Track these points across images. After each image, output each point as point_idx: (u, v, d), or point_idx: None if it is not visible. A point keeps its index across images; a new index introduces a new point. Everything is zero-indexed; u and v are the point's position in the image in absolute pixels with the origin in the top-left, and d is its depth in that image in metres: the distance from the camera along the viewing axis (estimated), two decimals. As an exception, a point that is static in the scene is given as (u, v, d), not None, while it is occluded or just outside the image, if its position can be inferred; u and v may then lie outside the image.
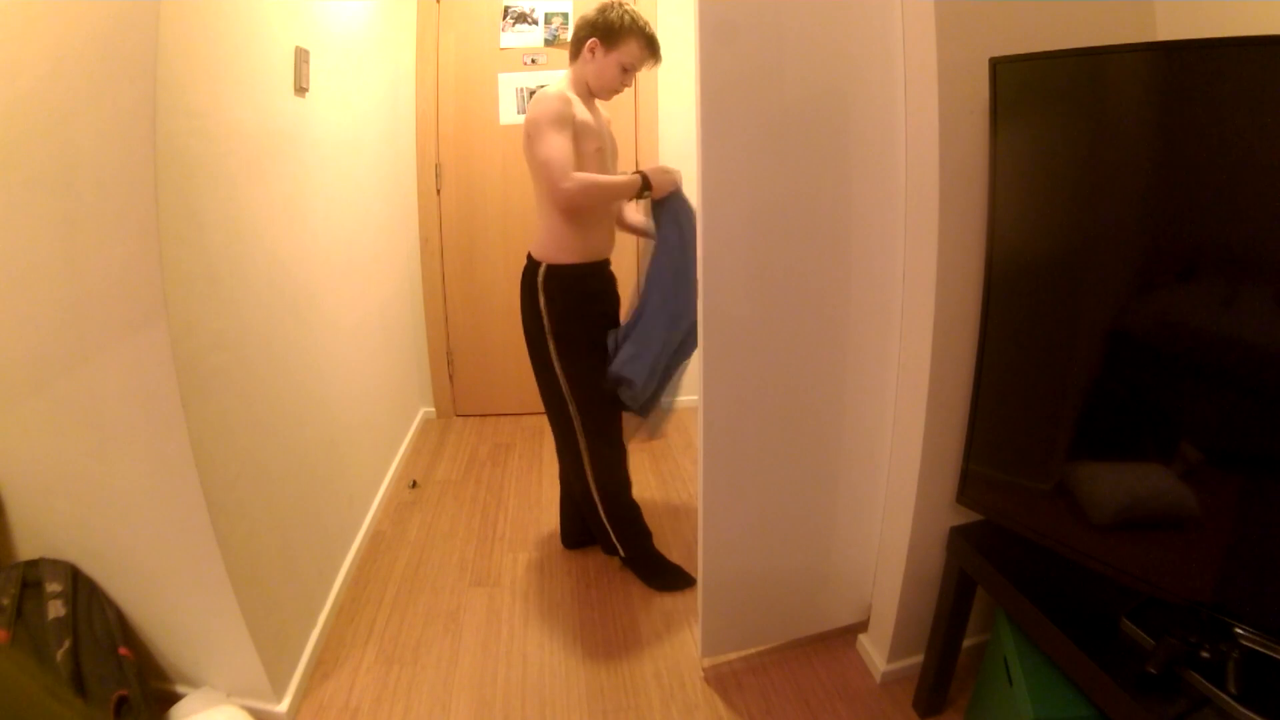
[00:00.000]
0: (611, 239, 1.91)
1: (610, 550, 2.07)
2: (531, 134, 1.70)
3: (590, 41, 1.74)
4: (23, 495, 1.40)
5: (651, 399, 1.90)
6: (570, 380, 1.84)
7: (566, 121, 1.67)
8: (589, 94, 1.80)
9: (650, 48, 1.79)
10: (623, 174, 1.78)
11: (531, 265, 1.83)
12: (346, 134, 2.24)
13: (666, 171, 1.79)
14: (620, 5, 1.75)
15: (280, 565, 1.63)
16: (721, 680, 1.68)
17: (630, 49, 1.75)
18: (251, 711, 1.49)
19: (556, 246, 1.78)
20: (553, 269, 1.79)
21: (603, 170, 1.80)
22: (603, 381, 1.84)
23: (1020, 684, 1.23)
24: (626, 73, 1.79)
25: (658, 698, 1.64)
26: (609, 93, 1.81)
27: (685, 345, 1.86)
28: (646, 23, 1.77)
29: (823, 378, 1.55)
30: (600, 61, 1.75)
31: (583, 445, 1.91)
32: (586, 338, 1.84)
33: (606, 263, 1.90)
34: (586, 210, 1.76)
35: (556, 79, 1.82)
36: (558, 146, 1.65)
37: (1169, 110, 1.02)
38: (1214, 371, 1.00)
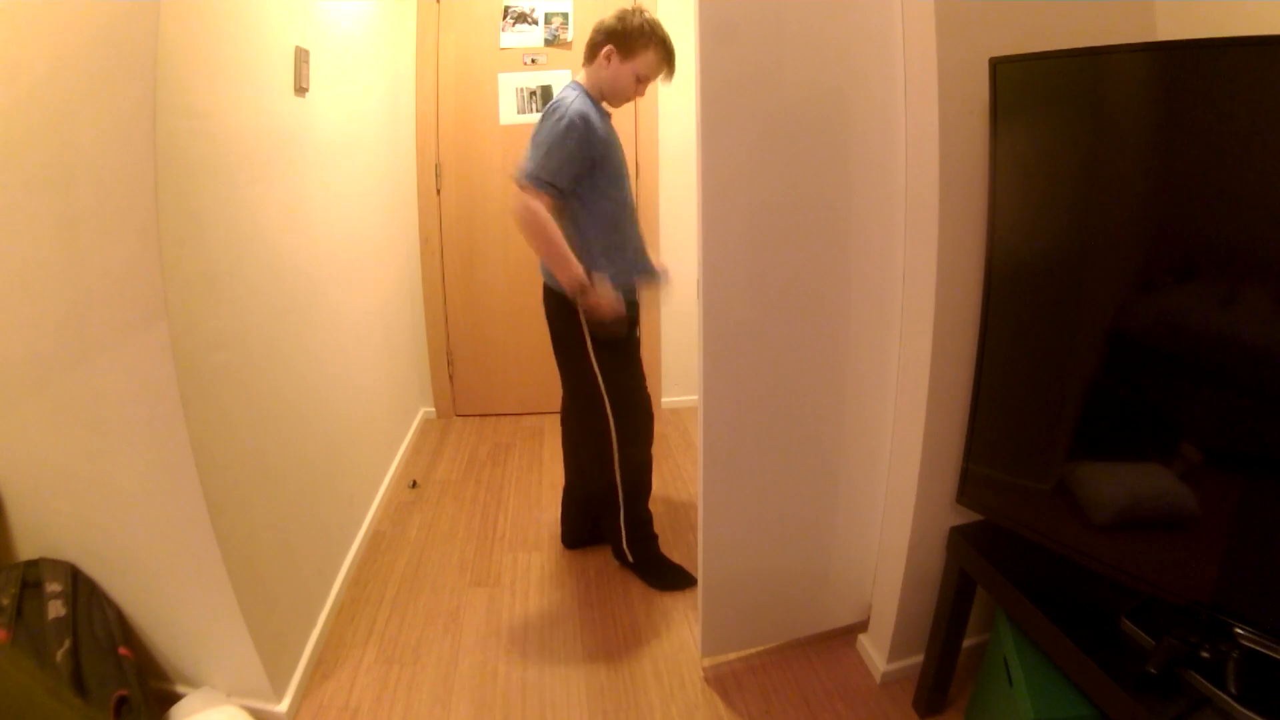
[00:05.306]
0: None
1: (621, 554, 2.07)
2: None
3: (606, 49, 1.72)
4: (23, 495, 1.40)
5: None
6: (608, 381, 1.84)
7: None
8: (600, 99, 1.78)
9: (668, 60, 1.77)
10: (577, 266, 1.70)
11: None
12: (346, 134, 2.24)
13: (602, 299, 1.71)
14: (641, 12, 1.73)
15: (280, 565, 1.63)
16: (721, 680, 1.68)
17: (647, 59, 1.73)
18: (251, 711, 1.49)
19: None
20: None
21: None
22: (638, 381, 1.84)
23: (1020, 684, 1.23)
24: (641, 83, 1.77)
25: (658, 698, 1.64)
26: (621, 101, 1.80)
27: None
28: (666, 34, 1.75)
29: (823, 378, 1.55)
30: (615, 69, 1.73)
31: (615, 446, 1.90)
32: (623, 338, 1.85)
33: None
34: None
35: (567, 82, 1.79)
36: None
37: (1169, 110, 1.02)
38: (1214, 371, 1.00)
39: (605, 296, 1.72)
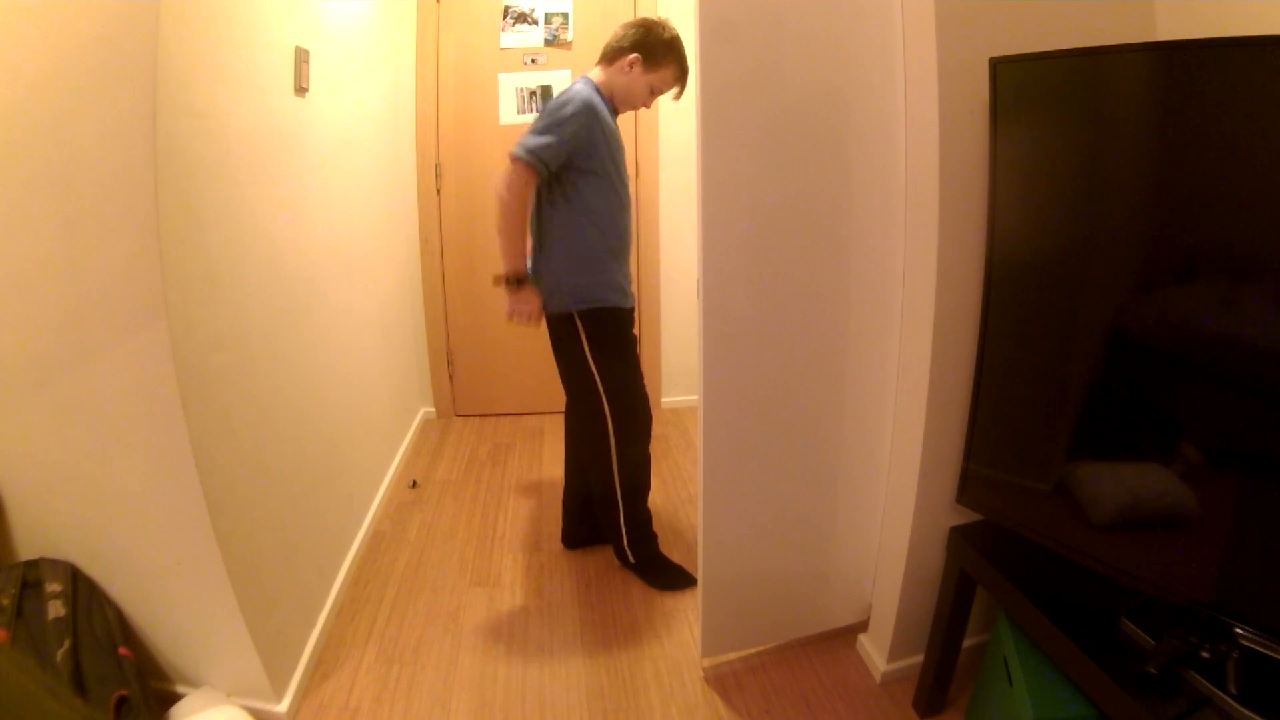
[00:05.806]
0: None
1: (622, 554, 2.07)
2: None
3: (632, 56, 1.74)
4: (23, 495, 1.40)
5: None
6: (605, 381, 1.85)
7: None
8: (610, 99, 1.80)
9: (681, 80, 1.80)
10: (524, 262, 1.77)
11: None
12: (346, 134, 2.24)
13: (529, 302, 1.79)
14: (667, 26, 1.75)
15: (280, 565, 1.63)
16: (721, 680, 1.68)
17: (665, 75, 1.76)
18: (251, 711, 1.49)
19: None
20: None
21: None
22: (636, 380, 1.86)
23: (1020, 684, 1.23)
24: (652, 94, 1.80)
25: (658, 698, 1.64)
26: (629, 107, 1.82)
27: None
28: (685, 53, 1.77)
29: (823, 378, 1.55)
30: (634, 78, 1.75)
31: (613, 446, 1.91)
32: (620, 338, 1.85)
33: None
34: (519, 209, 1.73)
35: (568, 82, 1.81)
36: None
37: (1169, 110, 1.02)
38: (1214, 371, 1.00)
39: (528, 302, 1.77)
